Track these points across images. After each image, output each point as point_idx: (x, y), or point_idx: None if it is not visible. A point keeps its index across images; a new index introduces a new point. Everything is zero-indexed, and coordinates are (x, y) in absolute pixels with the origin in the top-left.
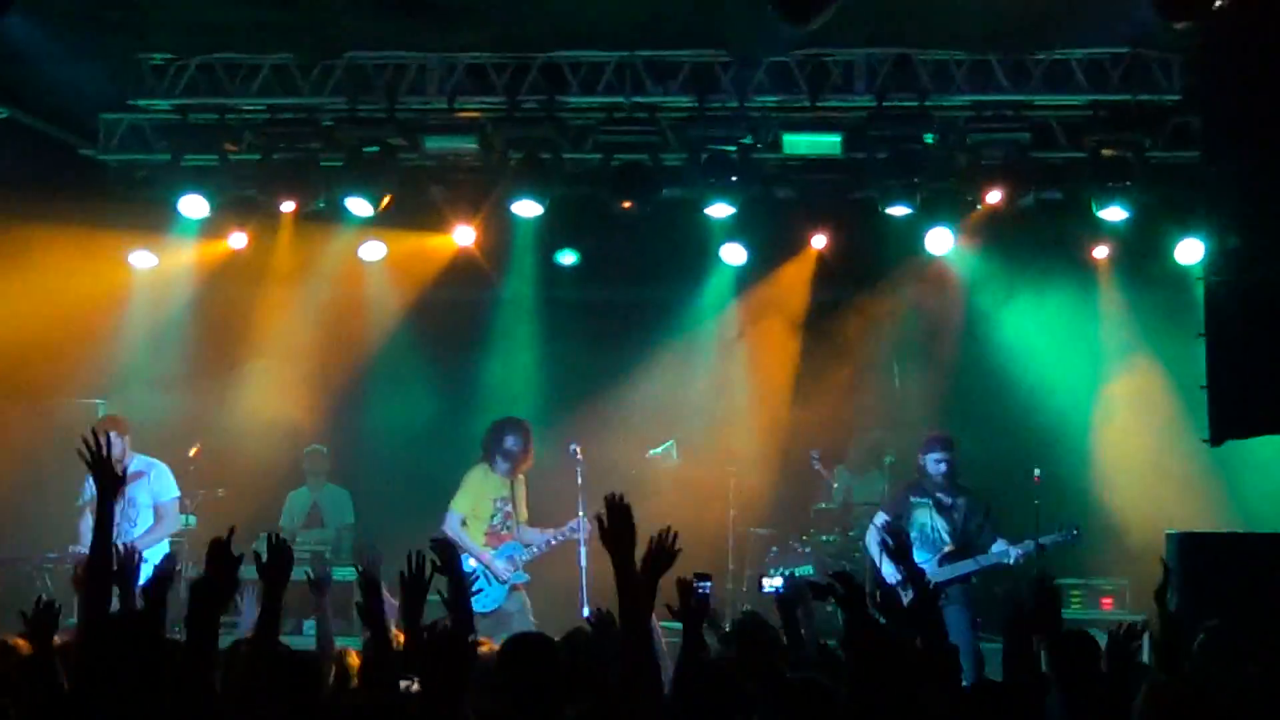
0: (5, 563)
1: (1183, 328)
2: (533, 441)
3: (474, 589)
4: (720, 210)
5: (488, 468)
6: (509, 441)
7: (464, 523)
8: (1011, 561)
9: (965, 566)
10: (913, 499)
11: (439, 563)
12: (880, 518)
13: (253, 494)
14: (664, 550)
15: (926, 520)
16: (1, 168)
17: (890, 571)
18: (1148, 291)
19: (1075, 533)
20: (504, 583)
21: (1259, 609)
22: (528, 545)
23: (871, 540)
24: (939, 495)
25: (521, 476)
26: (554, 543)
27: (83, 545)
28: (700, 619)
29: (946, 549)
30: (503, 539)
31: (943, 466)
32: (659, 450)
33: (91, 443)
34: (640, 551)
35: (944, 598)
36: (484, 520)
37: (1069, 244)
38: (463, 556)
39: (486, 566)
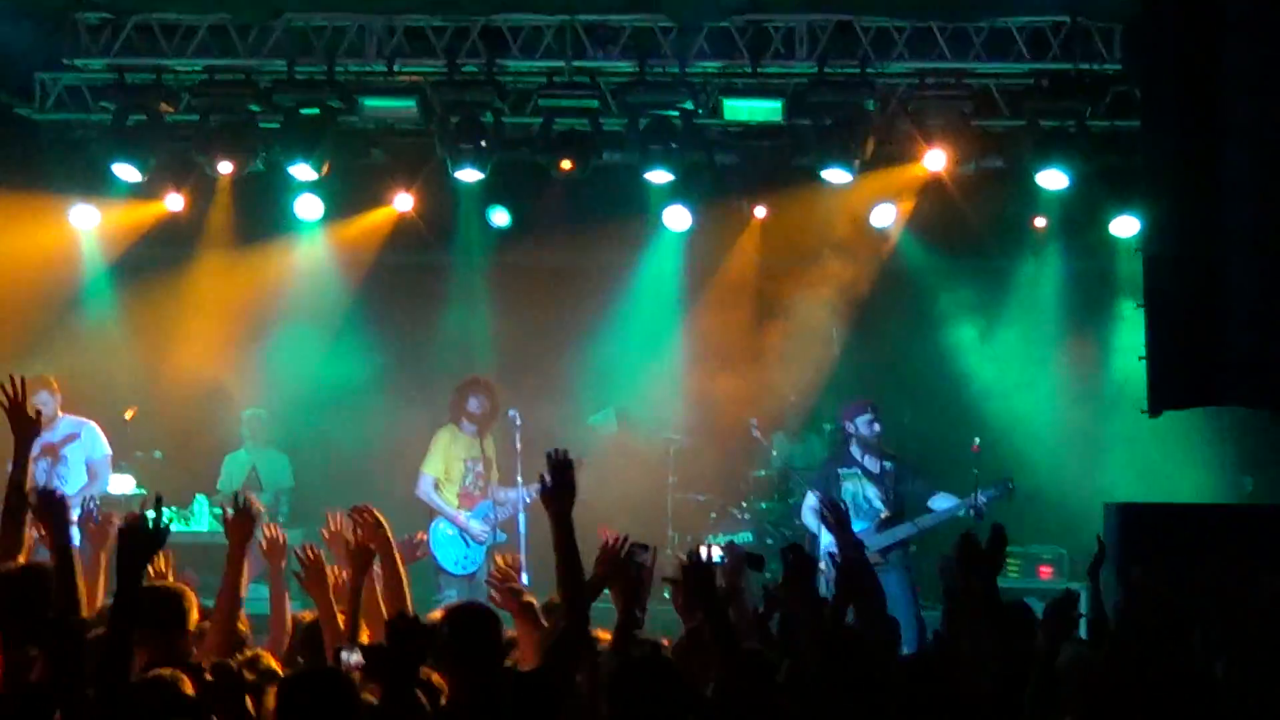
0: None
1: (1123, 298)
2: (498, 400)
3: (451, 552)
4: (659, 176)
5: (455, 429)
6: (472, 403)
7: (436, 485)
8: (962, 513)
9: (903, 530)
10: (840, 470)
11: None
12: (812, 497)
13: (190, 457)
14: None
15: (857, 489)
16: None
17: (830, 543)
18: (1089, 261)
19: (1009, 486)
20: (481, 544)
21: (1196, 579)
22: (501, 504)
23: (808, 514)
24: (866, 463)
25: (490, 436)
26: (529, 500)
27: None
28: (638, 591)
29: (882, 515)
30: (475, 500)
31: (876, 427)
32: (598, 417)
33: (7, 388)
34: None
35: (883, 562)
36: (456, 482)
37: (1009, 214)
38: (438, 520)
39: (462, 529)
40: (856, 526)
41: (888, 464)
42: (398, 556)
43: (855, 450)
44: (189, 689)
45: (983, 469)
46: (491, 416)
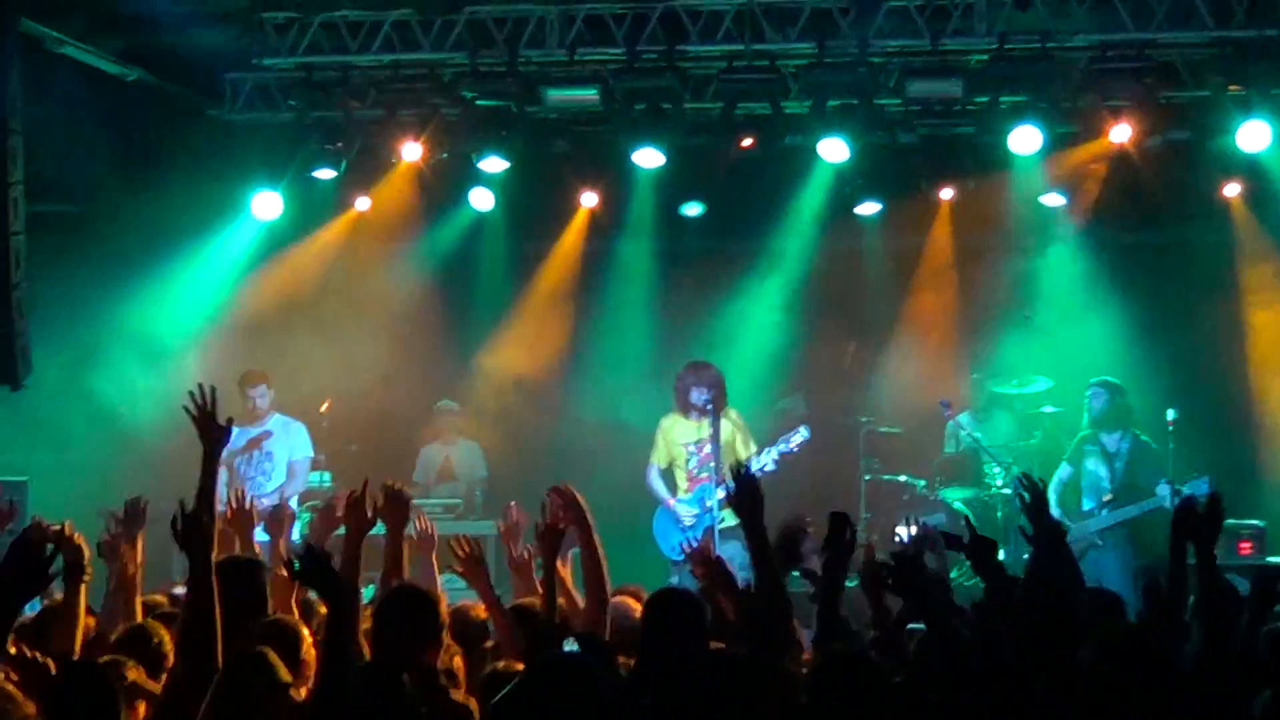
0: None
1: None
2: (720, 383)
3: (670, 538)
4: (836, 151)
5: (675, 414)
6: (692, 393)
7: (663, 472)
8: (1168, 505)
9: (1127, 512)
10: (1085, 446)
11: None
12: (1064, 468)
13: (385, 448)
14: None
15: (1092, 468)
16: (131, 129)
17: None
18: None
19: (1204, 487)
20: (690, 528)
21: None
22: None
23: (1052, 490)
24: (1104, 440)
25: (734, 414)
26: (767, 468)
27: (220, 503)
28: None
29: (1106, 497)
30: (699, 482)
31: (1092, 404)
32: (788, 401)
33: (197, 397)
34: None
35: (1101, 544)
36: (682, 467)
37: (1197, 184)
38: (660, 507)
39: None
40: (1086, 505)
41: (1124, 444)
42: (596, 539)
43: (1093, 428)
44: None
45: (1178, 443)
46: (712, 401)
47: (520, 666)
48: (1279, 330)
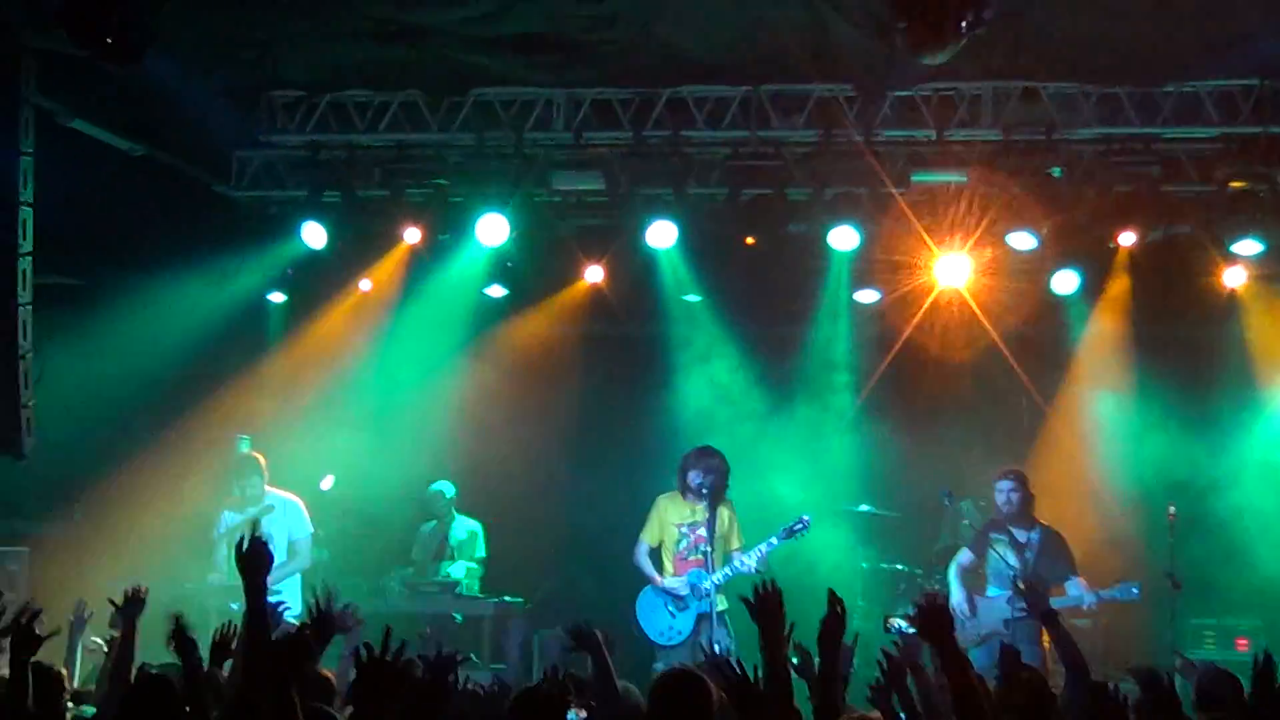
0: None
1: None
2: (722, 471)
3: (656, 622)
4: (845, 238)
5: (675, 494)
6: (691, 476)
7: (653, 552)
8: (1085, 606)
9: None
10: (992, 535)
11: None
12: (964, 554)
13: (384, 526)
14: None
15: (1001, 554)
16: (138, 204)
17: (959, 600)
18: None
19: (1134, 592)
20: (683, 610)
21: None
22: (728, 566)
23: (952, 570)
24: (1014, 530)
25: (727, 503)
26: (754, 568)
27: (219, 575)
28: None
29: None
30: (689, 565)
31: (1009, 497)
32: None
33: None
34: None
35: (1006, 633)
36: (671, 549)
37: (1199, 276)
38: (645, 588)
39: (665, 592)
40: (992, 592)
41: (1034, 534)
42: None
43: (1001, 516)
44: None
45: (1177, 537)
46: (713, 488)
47: None
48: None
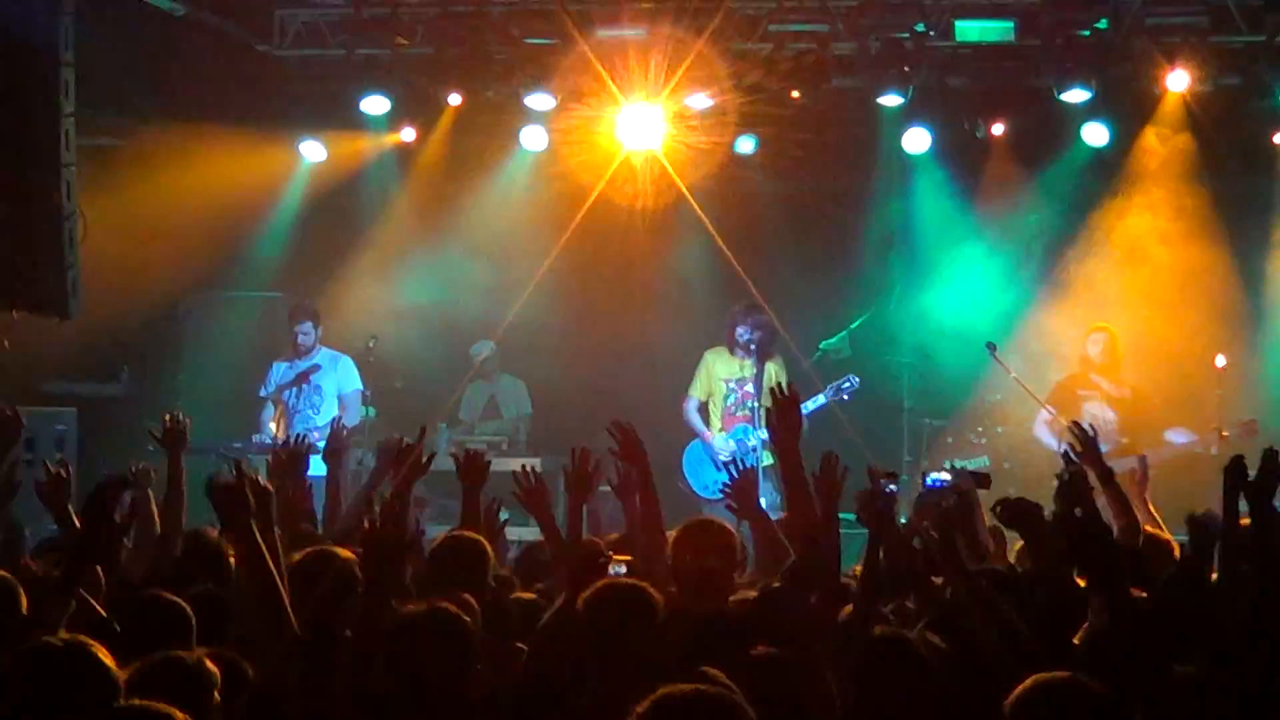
0: (196, 452)
1: None
2: (771, 327)
3: (701, 475)
4: (891, 100)
5: (722, 349)
6: (739, 331)
7: (701, 407)
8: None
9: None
10: (1080, 391)
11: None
12: (1045, 412)
13: (429, 385)
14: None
15: (1099, 413)
16: (180, 64)
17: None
18: None
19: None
20: (724, 465)
21: None
22: None
23: (1040, 428)
24: (1106, 386)
25: (776, 359)
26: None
27: (264, 434)
28: (887, 522)
29: (1124, 441)
30: (737, 421)
31: (1096, 349)
32: (833, 342)
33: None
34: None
35: None
36: (719, 403)
37: (1248, 130)
38: (692, 442)
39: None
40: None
41: (1127, 390)
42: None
43: (1090, 372)
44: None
45: (1227, 389)
46: (762, 344)
47: None
48: None
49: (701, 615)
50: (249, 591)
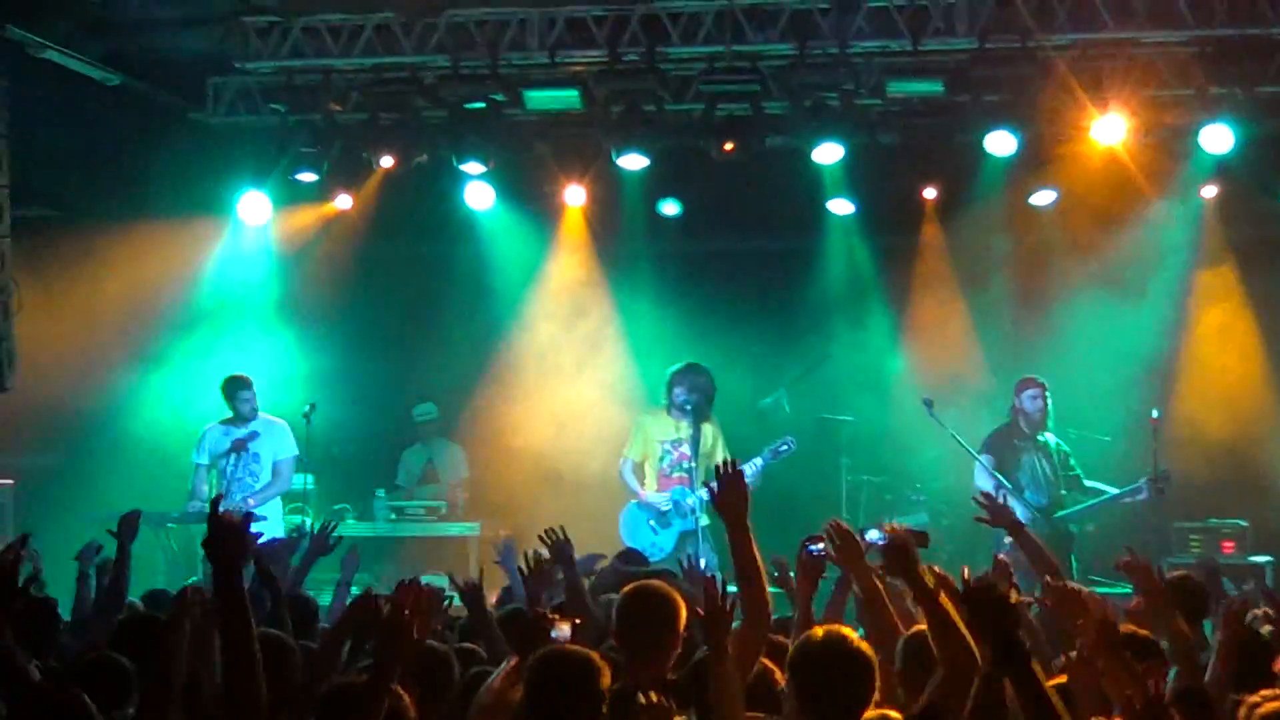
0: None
1: None
2: (707, 389)
3: (637, 538)
4: (829, 153)
5: (659, 410)
6: (676, 392)
7: (636, 468)
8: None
9: (1077, 509)
10: (1016, 442)
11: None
12: (984, 459)
13: (367, 451)
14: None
15: (1035, 463)
16: (114, 133)
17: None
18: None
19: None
20: (666, 527)
21: None
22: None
23: (981, 475)
24: (1038, 438)
25: (712, 420)
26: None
27: (200, 500)
28: (814, 584)
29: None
30: (672, 482)
31: (1039, 404)
32: (769, 400)
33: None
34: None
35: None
36: (654, 465)
37: (1171, 181)
38: (630, 504)
39: (648, 507)
40: (1033, 499)
41: (1059, 442)
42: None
43: (1023, 425)
44: None
45: (1159, 442)
46: (698, 405)
47: None
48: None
49: None
50: (228, 652)
